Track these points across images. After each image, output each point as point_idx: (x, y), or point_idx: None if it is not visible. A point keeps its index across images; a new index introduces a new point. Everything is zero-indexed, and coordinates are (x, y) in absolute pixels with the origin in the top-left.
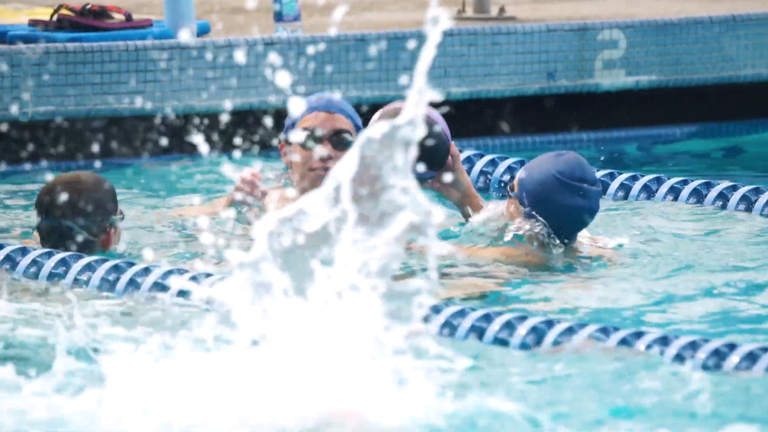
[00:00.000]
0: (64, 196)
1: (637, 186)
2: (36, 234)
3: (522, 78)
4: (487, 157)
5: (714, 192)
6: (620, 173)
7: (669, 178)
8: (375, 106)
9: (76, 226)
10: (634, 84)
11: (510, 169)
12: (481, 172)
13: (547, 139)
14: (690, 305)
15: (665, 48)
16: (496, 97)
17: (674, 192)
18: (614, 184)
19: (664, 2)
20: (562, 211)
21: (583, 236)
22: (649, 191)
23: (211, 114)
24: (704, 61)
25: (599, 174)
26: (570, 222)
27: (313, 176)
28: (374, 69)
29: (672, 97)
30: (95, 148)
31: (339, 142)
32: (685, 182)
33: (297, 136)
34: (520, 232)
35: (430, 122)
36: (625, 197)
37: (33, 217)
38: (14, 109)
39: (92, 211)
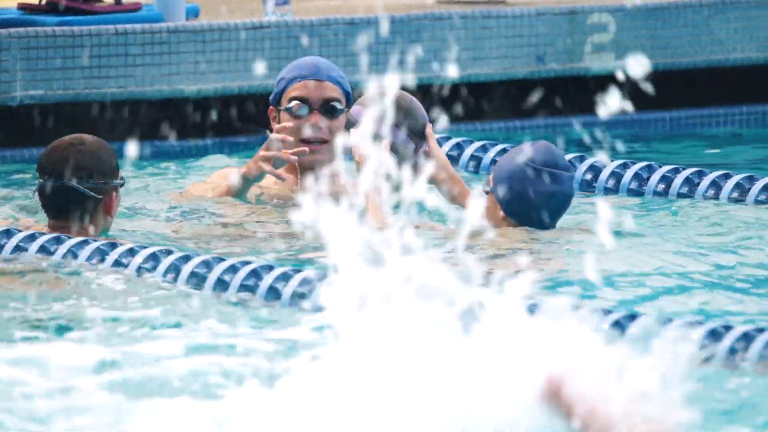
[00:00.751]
0: (68, 155)
1: (628, 174)
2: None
3: (512, 62)
4: (477, 144)
5: (706, 180)
6: (611, 161)
7: (660, 167)
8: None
9: (81, 187)
10: (623, 68)
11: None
12: (472, 157)
13: (536, 123)
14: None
15: (655, 32)
16: (486, 81)
17: (666, 181)
18: (605, 173)
19: None
20: (537, 198)
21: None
22: (640, 180)
23: (201, 98)
24: (694, 44)
25: (588, 162)
26: (547, 209)
27: (305, 150)
28: (364, 53)
29: (662, 81)
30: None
31: (329, 111)
32: (676, 171)
33: (286, 105)
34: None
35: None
36: (617, 186)
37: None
38: (2, 93)
39: (97, 172)
